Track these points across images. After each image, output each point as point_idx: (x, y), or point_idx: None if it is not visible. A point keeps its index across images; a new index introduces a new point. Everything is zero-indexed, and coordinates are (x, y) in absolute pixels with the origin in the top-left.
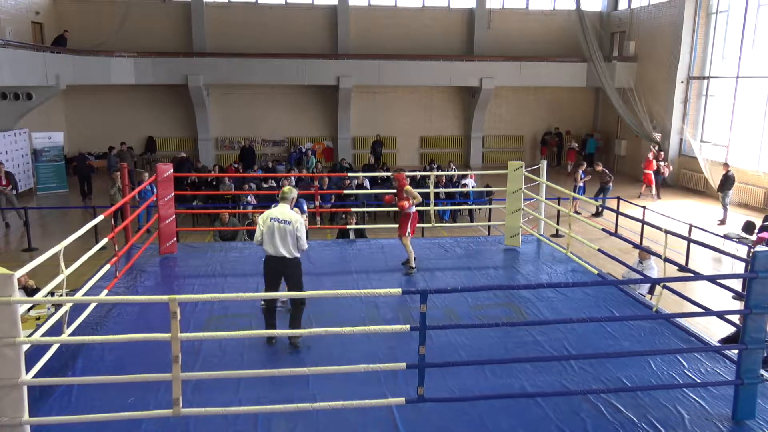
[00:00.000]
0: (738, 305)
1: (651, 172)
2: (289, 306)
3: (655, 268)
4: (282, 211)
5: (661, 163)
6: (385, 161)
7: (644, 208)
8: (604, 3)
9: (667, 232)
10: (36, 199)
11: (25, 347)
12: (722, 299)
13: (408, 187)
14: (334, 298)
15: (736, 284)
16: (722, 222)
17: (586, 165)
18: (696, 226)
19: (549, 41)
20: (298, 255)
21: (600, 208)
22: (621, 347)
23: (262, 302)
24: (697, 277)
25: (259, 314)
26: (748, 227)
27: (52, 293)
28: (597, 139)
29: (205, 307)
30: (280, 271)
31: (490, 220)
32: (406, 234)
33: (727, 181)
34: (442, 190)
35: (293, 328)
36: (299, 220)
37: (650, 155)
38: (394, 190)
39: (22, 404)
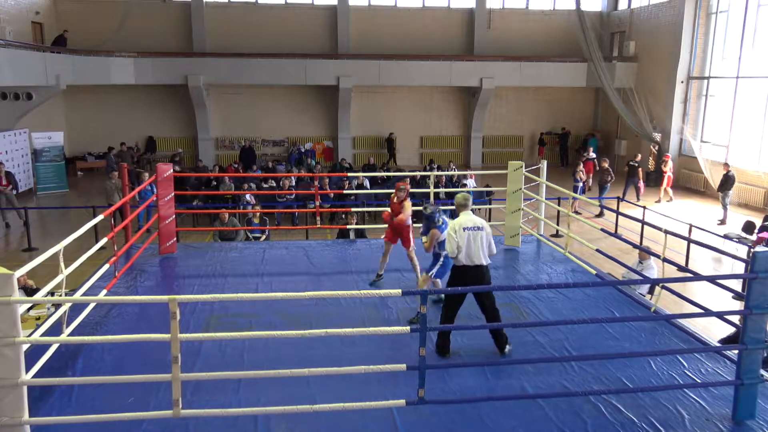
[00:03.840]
0: (738, 305)
1: (671, 174)
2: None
3: (654, 269)
4: (469, 218)
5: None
6: (385, 161)
7: (644, 208)
8: (604, 3)
9: (666, 232)
10: (36, 199)
11: (25, 347)
12: (722, 299)
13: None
14: (334, 298)
15: (736, 284)
16: (722, 222)
17: (582, 164)
18: (696, 226)
19: (549, 41)
20: (489, 261)
21: (602, 209)
22: (621, 348)
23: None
24: (697, 277)
25: (260, 314)
26: (748, 227)
27: (51, 293)
28: (598, 139)
29: (205, 307)
30: (476, 279)
31: (489, 220)
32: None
33: (727, 181)
34: (442, 190)
35: (500, 337)
36: (487, 225)
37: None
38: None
39: (22, 404)
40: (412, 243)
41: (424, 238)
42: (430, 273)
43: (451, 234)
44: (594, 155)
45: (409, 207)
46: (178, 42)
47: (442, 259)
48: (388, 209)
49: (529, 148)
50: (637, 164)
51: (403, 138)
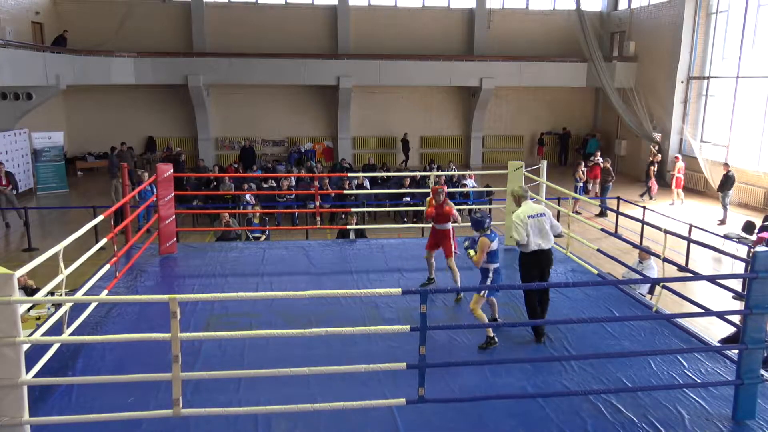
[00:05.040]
0: (738, 305)
1: (681, 175)
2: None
3: (654, 268)
4: (532, 207)
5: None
6: (385, 161)
7: (644, 208)
8: (604, 3)
9: (666, 232)
10: (36, 199)
11: (25, 347)
12: (722, 299)
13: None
14: (334, 298)
15: (736, 284)
16: (722, 222)
17: (584, 164)
18: (696, 226)
19: (549, 41)
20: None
21: (603, 209)
22: (621, 347)
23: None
24: (697, 277)
25: (260, 314)
26: (748, 227)
27: (52, 293)
28: (598, 139)
29: (205, 307)
30: (547, 262)
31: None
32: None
33: (727, 181)
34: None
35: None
36: (547, 209)
37: (679, 158)
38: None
39: (22, 404)
40: (453, 250)
41: (470, 252)
42: (482, 293)
43: (517, 223)
44: (601, 159)
45: (454, 207)
46: (178, 42)
47: (491, 274)
48: (427, 208)
49: (529, 148)
50: (657, 162)
51: None
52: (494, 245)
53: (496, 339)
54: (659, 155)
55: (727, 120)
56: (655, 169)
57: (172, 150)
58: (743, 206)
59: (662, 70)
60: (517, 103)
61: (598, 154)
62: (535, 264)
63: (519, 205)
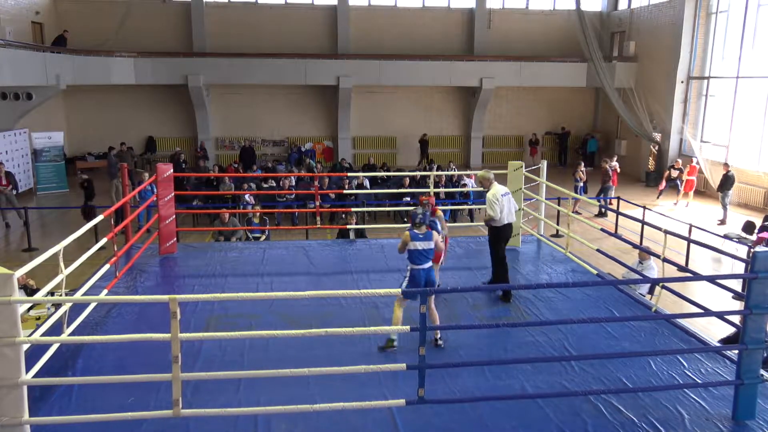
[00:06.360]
0: (738, 305)
1: (694, 178)
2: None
3: (654, 269)
4: (501, 187)
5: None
6: (385, 161)
7: (644, 208)
8: (604, 3)
9: (666, 232)
10: (36, 199)
11: (25, 347)
12: (722, 299)
13: (439, 213)
14: (335, 298)
15: (736, 284)
16: (722, 222)
17: (584, 164)
18: (696, 226)
19: (549, 41)
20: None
21: (603, 209)
22: (621, 347)
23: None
24: (697, 277)
25: (260, 314)
26: (748, 227)
27: (52, 293)
28: (598, 139)
29: (205, 307)
30: (511, 233)
31: None
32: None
33: (727, 181)
34: (442, 190)
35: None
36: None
37: (693, 161)
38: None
39: (22, 404)
40: (442, 259)
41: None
42: (399, 297)
43: (494, 202)
44: (616, 163)
45: (443, 217)
46: (178, 42)
47: (407, 274)
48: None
49: (529, 148)
50: (679, 169)
51: (403, 138)
52: (418, 245)
53: (396, 344)
54: (679, 161)
55: (727, 120)
56: (672, 174)
57: (205, 150)
58: (743, 206)
59: (662, 70)
60: (517, 103)
61: (615, 158)
62: (504, 235)
63: (488, 188)
